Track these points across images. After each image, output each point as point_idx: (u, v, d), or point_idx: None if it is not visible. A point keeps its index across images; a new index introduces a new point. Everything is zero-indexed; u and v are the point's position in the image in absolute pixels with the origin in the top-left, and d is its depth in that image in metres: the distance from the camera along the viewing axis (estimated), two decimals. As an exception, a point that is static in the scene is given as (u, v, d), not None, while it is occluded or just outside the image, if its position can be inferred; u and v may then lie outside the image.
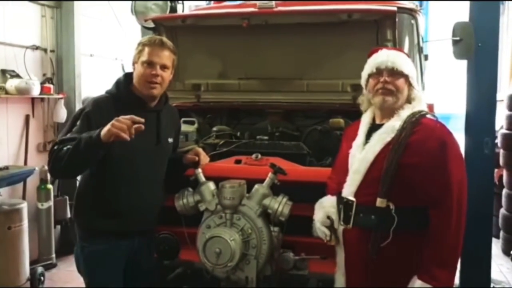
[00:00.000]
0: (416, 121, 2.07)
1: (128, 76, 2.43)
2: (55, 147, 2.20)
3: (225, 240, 2.36)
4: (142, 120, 2.08)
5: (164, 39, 2.43)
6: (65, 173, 2.34)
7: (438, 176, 2.00)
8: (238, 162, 2.75)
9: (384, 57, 2.15)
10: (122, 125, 2.02)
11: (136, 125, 2.05)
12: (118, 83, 2.42)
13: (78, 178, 2.52)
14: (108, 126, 2.02)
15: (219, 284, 2.57)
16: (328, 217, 2.20)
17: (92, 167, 2.27)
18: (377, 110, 2.20)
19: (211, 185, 2.55)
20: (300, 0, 3.73)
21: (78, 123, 2.27)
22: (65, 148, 2.13)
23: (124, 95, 2.37)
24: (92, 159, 2.17)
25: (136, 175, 2.35)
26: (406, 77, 2.13)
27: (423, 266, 1.99)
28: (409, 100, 2.15)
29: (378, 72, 2.14)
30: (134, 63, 2.38)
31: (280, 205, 2.46)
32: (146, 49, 2.32)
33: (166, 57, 2.35)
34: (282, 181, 2.50)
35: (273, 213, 2.47)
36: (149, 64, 2.31)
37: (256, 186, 2.53)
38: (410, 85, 2.15)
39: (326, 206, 2.24)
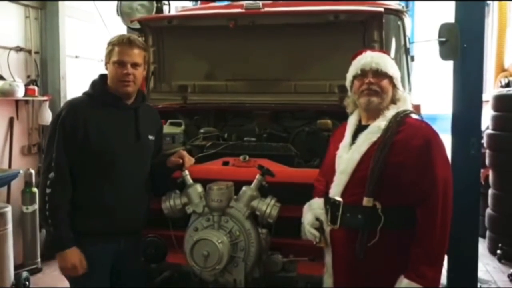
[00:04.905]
0: (401, 121, 2.08)
1: (103, 76, 2.45)
2: (47, 191, 2.24)
3: (213, 243, 2.34)
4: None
5: (132, 36, 2.43)
6: None
7: (423, 174, 2.00)
8: (225, 164, 2.74)
9: (368, 58, 2.17)
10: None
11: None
12: (93, 83, 2.44)
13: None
14: (62, 263, 2.24)
15: (207, 287, 2.56)
16: (317, 219, 2.19)
17: (73, 167, 2.28)
18: (362, 111, 2.21)
19: (199, 187, 2.53)
20: (287, 1, 3.73)
21: (55, 134, 2.28)
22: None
23: (100, 94, 2.39)
24: None
25: (118, 172, 2.34)
26: (390, 78, 2.16)
27: (410, 264, 1.99)
28: (394, 101, 2.18)
29: (363, 73, 2.16)
30: (106, 64, 2.41)
31: (268, 207, 2.45)
32: (116, 49, 2.33)
33: (136, 55, 2.36)
34: (270, 183, 2.49)
35: (261, 215, 2.46)
36: (120, 63, 2.32)
37: (244, 188, 2.51)
38: (394, 86, 2.18)
39: (315, 208, 2.23)
